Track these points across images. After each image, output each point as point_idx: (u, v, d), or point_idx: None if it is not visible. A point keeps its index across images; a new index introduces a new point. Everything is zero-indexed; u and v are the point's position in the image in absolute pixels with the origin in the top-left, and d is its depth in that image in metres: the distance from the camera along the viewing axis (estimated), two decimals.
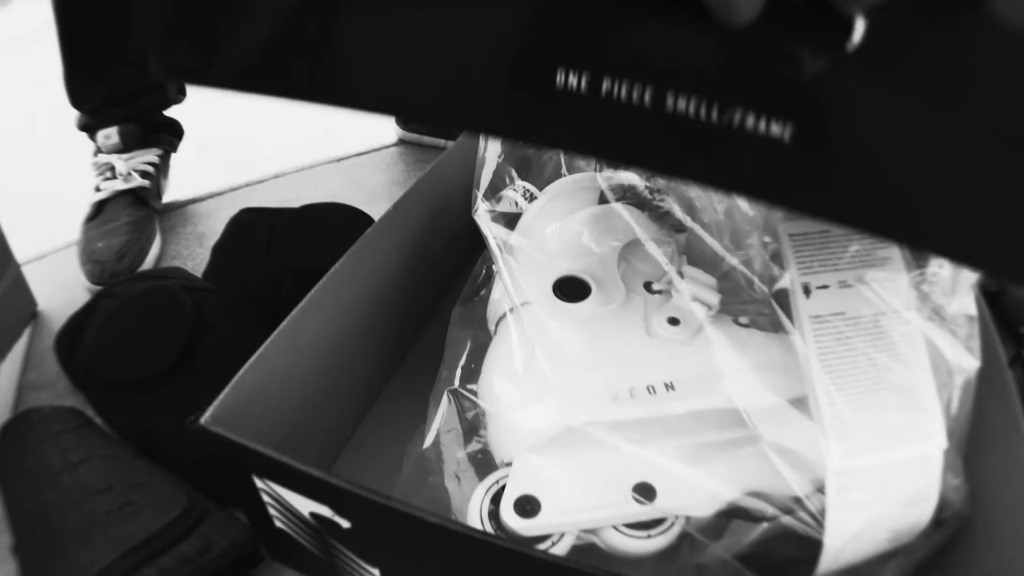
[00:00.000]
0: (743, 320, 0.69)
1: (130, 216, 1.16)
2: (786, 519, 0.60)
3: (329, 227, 0.96)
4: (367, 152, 1.48)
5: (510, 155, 0.83)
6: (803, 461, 0.60)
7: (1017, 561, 0.56)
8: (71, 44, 1.15)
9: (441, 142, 1.43)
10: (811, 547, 0.58)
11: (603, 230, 0.74)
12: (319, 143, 1.47)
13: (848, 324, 0.61)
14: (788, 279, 0.63)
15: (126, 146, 1.22)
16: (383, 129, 1.54)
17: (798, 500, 0.59)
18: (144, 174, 1.22)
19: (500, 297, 0.71)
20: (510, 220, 0.78)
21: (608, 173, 0.80)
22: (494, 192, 0.80)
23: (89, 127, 1.24)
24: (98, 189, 1.20)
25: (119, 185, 1.19)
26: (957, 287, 0.66)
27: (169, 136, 1.30)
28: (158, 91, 1.26)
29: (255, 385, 0.62)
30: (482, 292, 0.77)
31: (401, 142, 1.52)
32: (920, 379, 0.59)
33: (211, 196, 1.33)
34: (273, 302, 0.88)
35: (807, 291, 0.62)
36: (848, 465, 0.57)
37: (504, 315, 0.69)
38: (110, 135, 1.21)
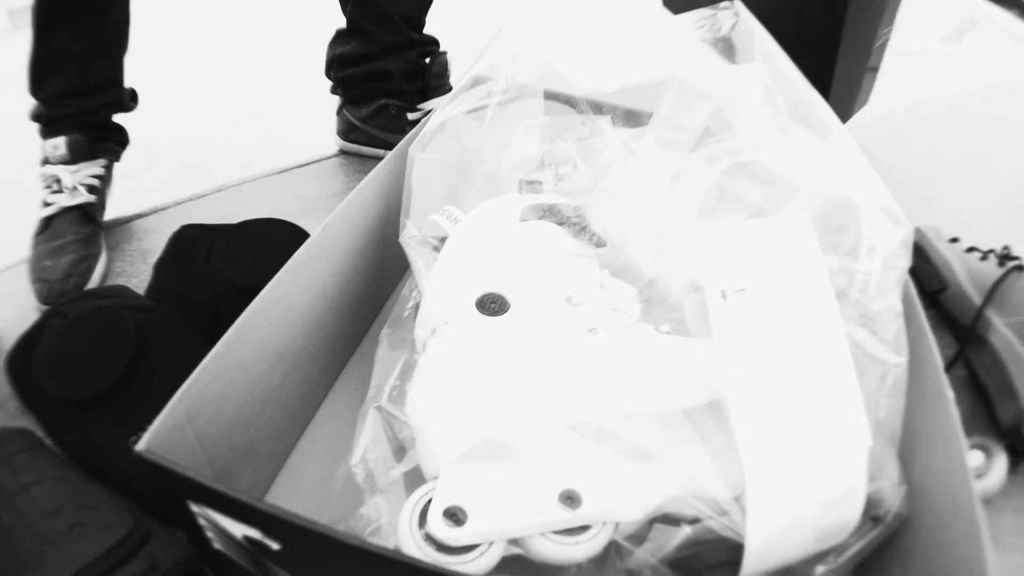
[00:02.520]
0: (664, 328, 0.72)
1: (76, 234, 1.20)
2: (711, 522, 0.63)
3: (265, 244, 0.99)
4: (308, 164, 1.53)
5: (438, 180, 0.87)
6: (726, 464, 0.63)
7: (955, 559, 0.58)
8: (46, 21, 1.20)
9: (381, 152, 1.47)
10: (739, 550, 0.61)
11: (524, 248, 0.77)
12: (262, 152, 1.51)
13: (766, 327, 0.64)
14: (705, 284, 0.68)
15: (73, 157, 1.25)
16: (324, 139, 1.58)
17: (723, 503, 0.63)
18: (90, 188, 1.26)
19: (426, 317, 0.74)
20: (438, 242, 0.81)
21: (529, 195, 0.85)
22: (421, 217, 0.84)
23: (42, 118, 1.27)
24: (46, 203, 1.24)
25: (65, 201, 1.23)
26: (884, 285, 0.71)
27: (115, 145, 1.34)
28: (115, 90, 1.31)
29: (189, 410, 0.64)
30: (408, 314, 0.80)
31: (342, 153, 1.57)
32: (841, 379, 0.62)
33: (155, 211, 1.37)
34: (213, 319, 0.89)
35: (724, 296, 0.66)
36: (766, 467, 0.60)
37: (430, 334, 0.72)
38: (58, 145, 1.24)
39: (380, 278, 0.98)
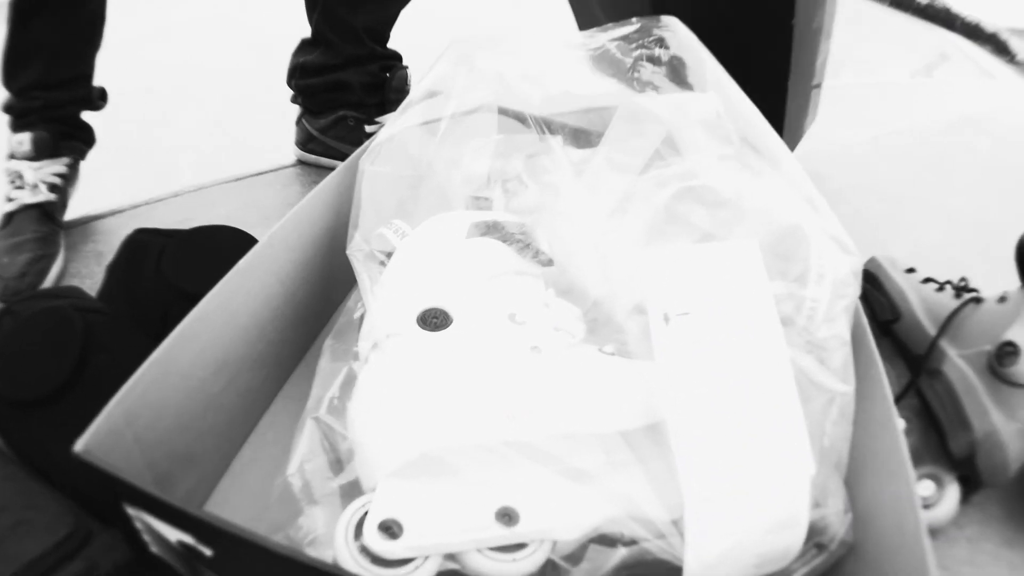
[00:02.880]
0: (607, 349, 0.72)
1: (35, 232, 1.21)
2: (648, 545, 0.63)
3: (215, 251, 0.97)
4: (265, 172, 1.54)
5: (388, 194, 0.87)
6: (665, 487, 0.64)
7: None
8: (23, 12, 1.21)
9: (337, 164, 1.44)
10: (677, 573, 0.61)
11: (468, 264, 0.78)
12: (224, 158, 1.52)
13: (708, 351, 0.65)
14: (648, 307, 0.68)
15: (37, 154, 1.26)
16: (282, 149, 1.59)
17: (661, 526, 0.63)
18: (52, 187, 1.27)
19: (368, 330, 0.75)
20: (385, 256, 0.82)
21: (476, 211, 0.85)
22: (370, 230, 0.84)
23: (12, 109, 1.28)
24: (8, 199, 1.25)
25: (27, 198, 1.24)
26: (832, 313, 0.71)
27: (80, 143, 1.35)
28: (85, 86, 1.32)
29: (128, 413, 0.65)
30: (352, 325, 0.80)
31: (299, 163, 1.58)
32: (784, 405, 0.63)
33: (112, 213, 1.37)
34: (162, 325, 0.91)
35: (666, 319, 0.67)
36: (705, 491, 0.61)
37: (372, 347, 0.73)
38: (23, 141, 1.26)
39: (327, 289, 0.99)
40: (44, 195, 1.26)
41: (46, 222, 1.25)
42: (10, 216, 1.25)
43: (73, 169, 1.34)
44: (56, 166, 1.29)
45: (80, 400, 0.81)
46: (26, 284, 1.15)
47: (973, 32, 2.79)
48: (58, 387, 0.82)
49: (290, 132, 1.59)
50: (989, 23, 2.76)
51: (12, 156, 1.28)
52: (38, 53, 1.24)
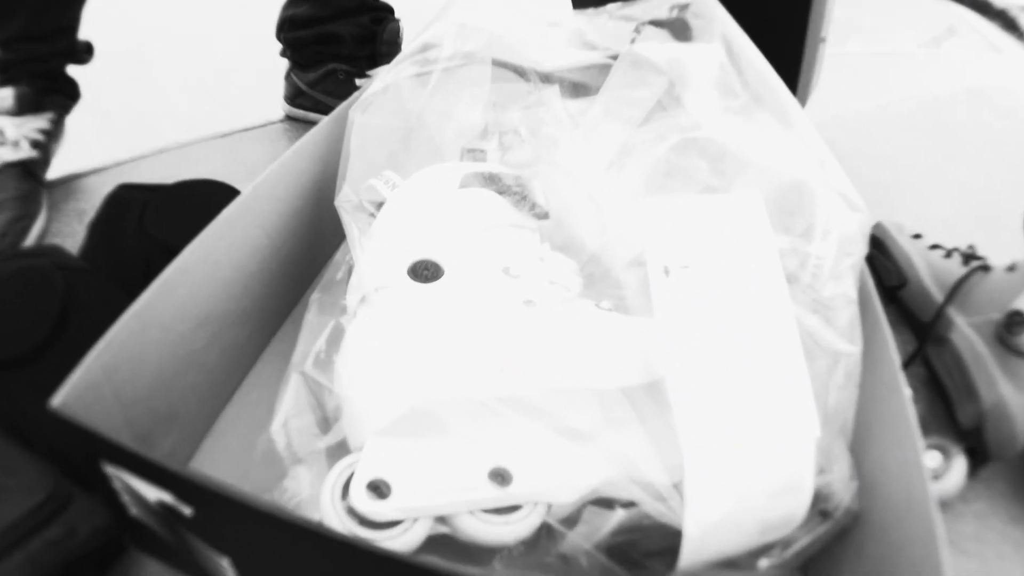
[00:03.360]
0: (605, 304, 0.71)
1: (16, 190, 1.19)
2: (647, 508, 0.62)
3: (201, 206, 0.93)
4: (252, 128, 1.51)
5: (378, 145, 0.86)
6: (665, 448, 0.63)
7: (909, 560, 0.58)
8: None
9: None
10: (677, 538, 0.60)
11: (462, 215, 0.76)
12: (209, 118, 1.49)
13: (710, 306, 0.63)
14: (648, 259, 0.67)
15: (19, 109, 1.24)
16: (271, 104, 1.57)
17: (661, 488, 0.62)
18: (34, 143, 1.24)
19: (357, 283, 0.73)
20: (375, 208, 0.80)
21: (471, 163, 0.84)
22: (360, 180, 0.83)
23: (8, 64, 1.25)
24: None
25: (8, 155, 1.21)
26: (838, 271, 0.70)
27: (64, 98, 1.32)
28: (69, 39, 1.29)
29: (106, 367, 0.63)
30: (340, 279, 0.79)
31: (288, 118, 1.56)
32: (789, 364, 0.61)
33: (95, 172, 1.35)
34: (145, 282, 0.90)
35: (667, 272, 0.65)
36: (706, 453, 0.59)
37: (360, 301, 0.71)
38: (5, 96, 1.23)
39: (315, 242, 0.97)
40: (26, 152, 1.23)
41: (28, 180, 1.22)
42: None
43: (57, 125, 1.32)
44: (39, 122, 1.27)
45: (59, 359, 0.80)
46: (7, 244, 1.13)
47: (982, 7, 2.77)
48: (36, 346, 0.81)
49: (278, 87, 1.57)
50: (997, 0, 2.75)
51: None
52: (22, 4, 1.22)
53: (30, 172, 1.23)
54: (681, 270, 0.65)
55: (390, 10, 1.55)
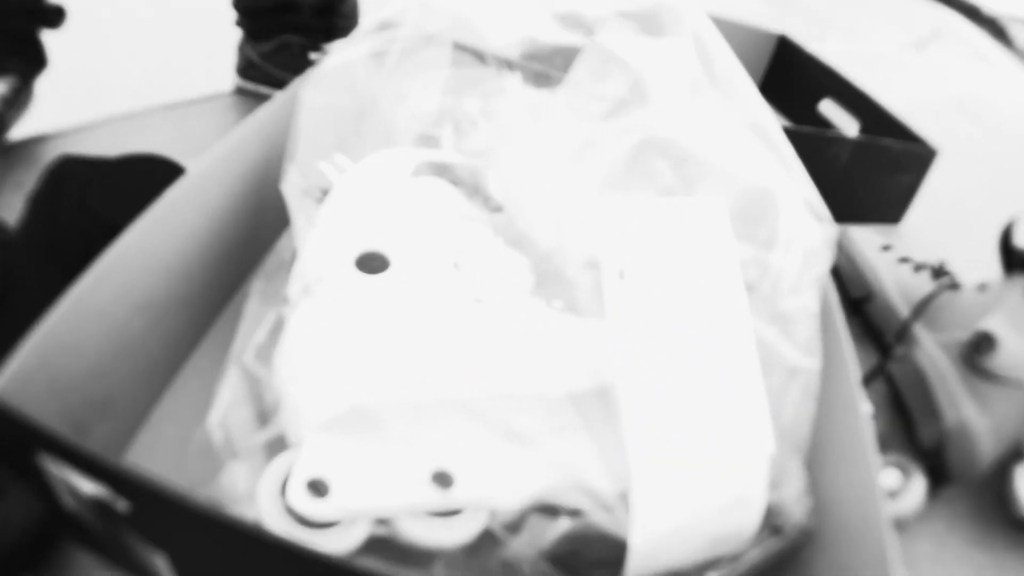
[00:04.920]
0: (557, 304, 0.71)
1: None
2: (593, 517, 0.63)
3: (145, 182, 0.93)
4: (200, 101, 1.51)
5: (329, 127, 0.86)
6: (612, 457, 0.63)
7: None
8: None
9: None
10: (623, 549, 0.61)
11: (412, 205, 0.77)
12: (158, 87, 1.49)
13: (665, 312, 0.64)
14: (603, 260, 0.67)
15: None
16: (220, 75, 1.56)
17: (607, 498, 0.63)
18: None
19: (299, 273, 0.73)
20: (322, 193, 0.81)
21: (424, 149, 0.84)
22: (308, 163, 0.83)
23: None
24: None
25: None
26: (801, 284, 0.71)
27: (24, 62, 1.29)
28: None
29: (42, 355, 0.63)
30: (283, 266, 0.79)
31: (238, 91, 1.55)
32: (744, 376, 0.62)
33: (34, 140, 1.34)
34: (84, 259, 0.90)
35: (622, 275, 0.66)
36: (654, 463, 0.60)
37: (302, 291, 0.71)
38: None
39: (259, 227, 0.97)
40: None
41: None
42: None
43: (17, 92, 1.28)
44: None
45: None
46: None
47: (972, 12, 2.80)
48: None
49: (229, 58, 1.57)
50: (988, 7, 2.78)
51: None
52: None
53: None
54: (637, 274, 0.66)
55: None
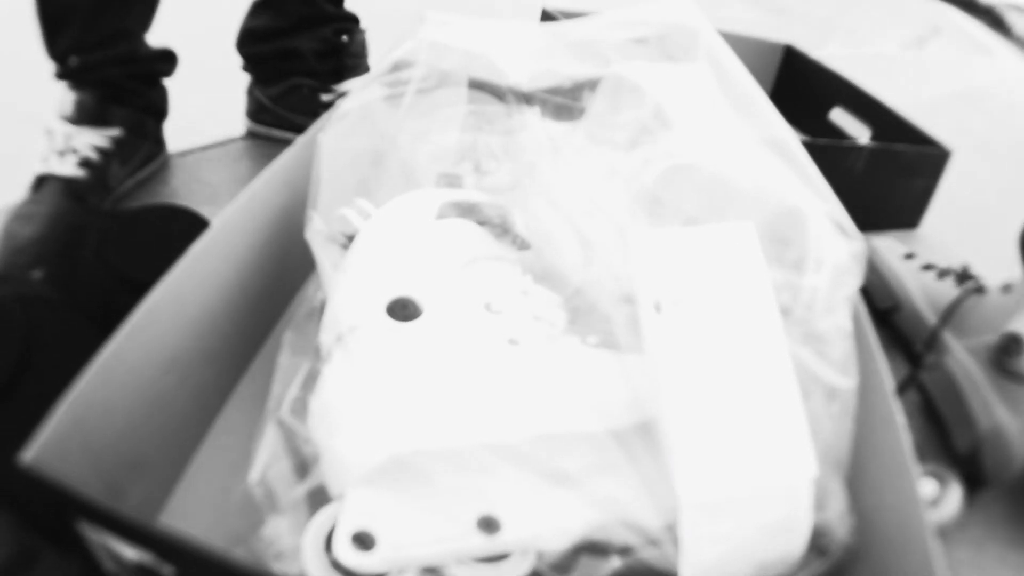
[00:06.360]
0: (591, 340, 0.71)
1: (54, 207, 1.10)
2: (643, 553, 0.62)
3: (162, 234, 0.96)
4: (212, 146, 1.51)
5: (349, 171, 0.85)
6: (657, 490, 0.63)
7: None
8: None
9: (291, 136, 1.41)
10: None
11: (440, 248, 0.76)
12: (168, 131, 1.47)
13: (703, 343, 0.63)
14: (638, 295, 0.67)
15: (77, 119, 1.19)
16: (232, 121, 1.57)
17: (654, 532, 0.62)
18: (84, 161, 1.17)
19: (331, 322, 0.73)
20: (347, 239, 0.80)
21: (447, 190, 0.84)
22: (330, 210, 0.82)
23: (62, 76, 1.20)
24: (43, 159, 1.17)
25: (54, 165, 1.15)
26: (833, 303, 0.71)
27: (138, 112, 1.27)
28: (127, 43, 1.24)
29: (76, 419, 0.63)
30: (312, 316, 0.79)
31: (250, 135, 1.55)
32: (784, 401, 0.61)
33: None
34: (103, 313, 0.87)
35: (658, 307, 0.66)
36: (700, 494, 0.59)
37: (335, 341, 0.71)
38: (65, 101, 1.18)
39: (284, 276, 0.97)
40: (70, 169, 1.15)
41: (68, 200, 1.13)
42: (40, 180, 1.15)
43: (123, 146, 1.24)
44: (95, 137, 1.19)
45: (22, 406, 0.79)
46: (24, 261, 1.07)
47: (968, 5, 2.80)
48: None
49: (240, 103, 1.57)
50: None
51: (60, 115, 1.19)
52: (73, 10, 1.16)
53: (75, 193, 1.15)
54: (673, 306, 0.65)
55: (355, 20, 1.55)
